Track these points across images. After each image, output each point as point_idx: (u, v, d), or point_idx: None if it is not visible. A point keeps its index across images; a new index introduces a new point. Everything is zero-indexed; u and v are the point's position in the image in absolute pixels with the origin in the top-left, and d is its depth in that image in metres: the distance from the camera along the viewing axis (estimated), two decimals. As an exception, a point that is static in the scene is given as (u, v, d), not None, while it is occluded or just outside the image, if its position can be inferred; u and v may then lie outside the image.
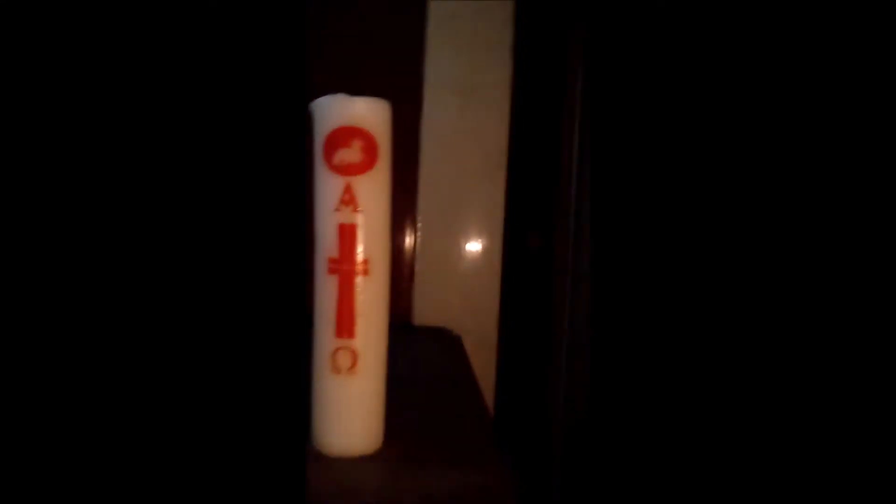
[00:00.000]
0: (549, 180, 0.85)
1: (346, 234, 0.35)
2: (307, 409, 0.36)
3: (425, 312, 0.80)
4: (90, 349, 0.25)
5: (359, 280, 0.36)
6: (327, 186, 0.35)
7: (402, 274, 0.80)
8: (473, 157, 0.81)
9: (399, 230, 0.81)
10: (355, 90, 0.36)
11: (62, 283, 0.25)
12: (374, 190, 0.36)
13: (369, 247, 0.36)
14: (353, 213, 0.35)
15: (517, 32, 0.80)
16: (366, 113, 0.35)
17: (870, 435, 0.26)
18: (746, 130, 0.28)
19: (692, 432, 0.29)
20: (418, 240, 0.81)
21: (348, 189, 0.35)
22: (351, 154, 0.35)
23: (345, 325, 0.36)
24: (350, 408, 0.36)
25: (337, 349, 0.36)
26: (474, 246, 0.81)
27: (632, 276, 0.30)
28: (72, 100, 0.25)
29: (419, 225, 0.81)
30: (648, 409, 0.30)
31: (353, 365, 0.36)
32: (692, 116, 0.29)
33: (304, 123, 0.35)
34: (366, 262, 0.36)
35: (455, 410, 0.46)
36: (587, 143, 0.82)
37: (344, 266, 0.35)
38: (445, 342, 0.72)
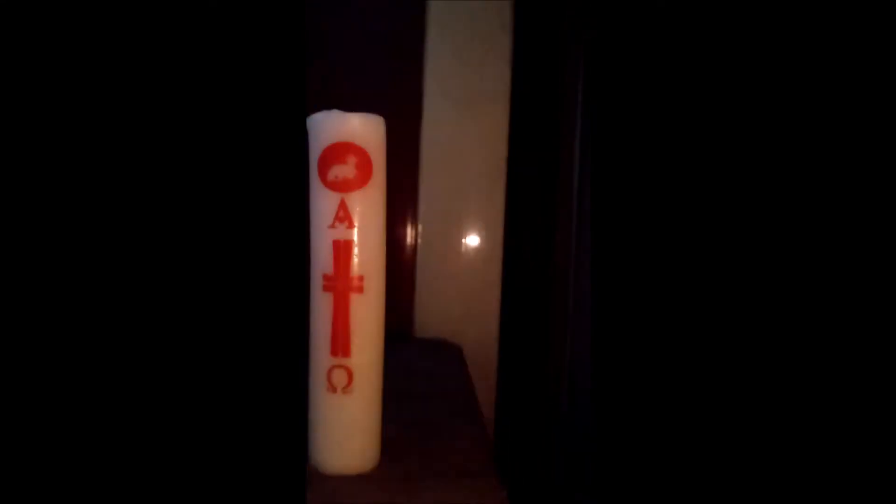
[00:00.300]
0: (550, 187, 0.85)
1: (341, 251, 0.35)
2: (306, 427, 0.36)
3: (427, 323, 0.80)
4: (91, 353, 0.25)
5: (354, 297, 0.35)
6: (322, 203, 0.35)
7: (403, 285, 0.80)
8: (473, 164, 0.80)
9: (400, 240, 0.80)
10: (356, 98, 0.35)
11: (53, 293, 0.25)
12: (368, 206, 0.35)
13: (364, 263, 0.35)
14: (347, 229, 0.35)
15: (516, 37, 0.80)
16: (360, 129, 0.35)
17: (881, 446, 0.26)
18: (748, 135, 0.28)
19: (700, 443, 0.28)
20: (419, 249, 0.81)
21: (343, 205, 0.35)
22: (345, 170, 0.35)
23: (340, 343, 0.35)
24: (346, 427, 0.36)
25: (332, 368, 0.35)
26: (475, 254, 0.81)
27: (633, 282, 0.30)
28: (70, 115, 0.25)
29: (420, 234, 0.80)
30: (654, 422, 0.29)
31: (349, 384, 0.35)
32: (693, 121, 0.28)
33: (304, 138, 0.35)
34: (361, 278, 0.35)
35: (453, 427, 0.45)
36: (587, 148, 0.82)
37: (339, 283, 0.35)
38: (446, 354, 0.71)
